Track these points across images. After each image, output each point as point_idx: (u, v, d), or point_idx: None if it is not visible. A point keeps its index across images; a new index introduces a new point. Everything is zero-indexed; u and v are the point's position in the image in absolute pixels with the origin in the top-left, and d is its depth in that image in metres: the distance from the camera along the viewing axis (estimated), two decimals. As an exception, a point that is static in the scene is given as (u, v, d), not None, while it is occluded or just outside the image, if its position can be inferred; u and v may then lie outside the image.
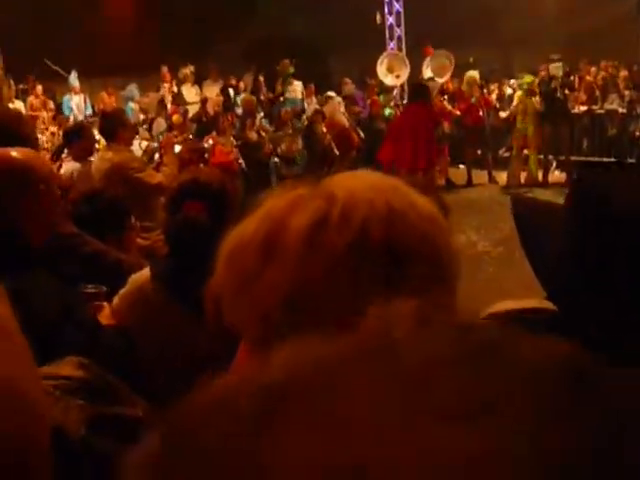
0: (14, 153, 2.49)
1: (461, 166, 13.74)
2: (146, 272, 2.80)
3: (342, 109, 13.97)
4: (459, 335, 0.41)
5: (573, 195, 1.40)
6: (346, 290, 0.85)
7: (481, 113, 13.30)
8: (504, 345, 0.41)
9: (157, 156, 9.34)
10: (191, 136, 11.47)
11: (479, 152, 13.55)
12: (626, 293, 1.27)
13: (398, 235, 0.88)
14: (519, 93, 13.39)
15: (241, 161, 10.72)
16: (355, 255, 0.86)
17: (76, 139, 6.12)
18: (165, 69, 15.10)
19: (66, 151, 6.69)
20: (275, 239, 0.89)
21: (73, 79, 14.13)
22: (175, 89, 15.16)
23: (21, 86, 14.13)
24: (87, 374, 1.86)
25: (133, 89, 14.99)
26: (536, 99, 13.05)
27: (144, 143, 10.80)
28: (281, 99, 14.83)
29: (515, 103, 13.36)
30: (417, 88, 11.43)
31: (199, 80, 15.85)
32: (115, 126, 5.65)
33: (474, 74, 13.36)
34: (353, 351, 0.40)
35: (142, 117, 13.84)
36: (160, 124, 13.18)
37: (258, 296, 0.88)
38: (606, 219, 1.31)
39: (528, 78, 13.28)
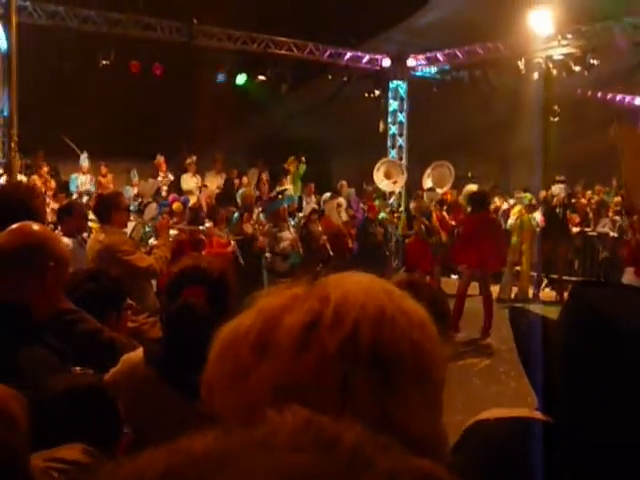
0: (35, 227, 2.58)
1: (453, 276, 13.84)
2: (139, 353, 2.81)
3: (342, 210, 14.09)
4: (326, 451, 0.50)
5: (569, 310, 1.45)
6: (333, 388, 0.88)
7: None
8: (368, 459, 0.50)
9: (152, 240, 9.44)
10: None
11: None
12: (625, 412, 1.30)
13: (387, 339, 0.91)
14: (517, 208, 13.63)
15: (238, 254, 10.80)
16: (344, 355, 0.88)
17: (67, 216, 6.25)
18: (162, 158, 15.38)
19: (59, 228, 6.81)
20: (269, 336, 0.92)
21: (83, 159, 14.50)
22: (171, 177, 15.41)
23: (27, 161, 14.38)
24: (92, 461, 1.88)
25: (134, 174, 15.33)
26: (535, 215, 13.30)
27: (131, 224, 10.82)
28: (280, 197, 15.11)
29: (514, 219, 13.59)
30: (480, 197, 11.52)
31: (201, 171, 16.16)
32: (109, 208, 5.78)
33: (473, 188, 13.65)
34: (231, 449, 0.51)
35: (137, 202, 14.01)
36: (152, 209, 13.36)
37: (249, 389, 0.91)
38: (606, 334, 1.34)
39: (529, 195, 13.56)
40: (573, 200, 15.57)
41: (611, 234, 14.54)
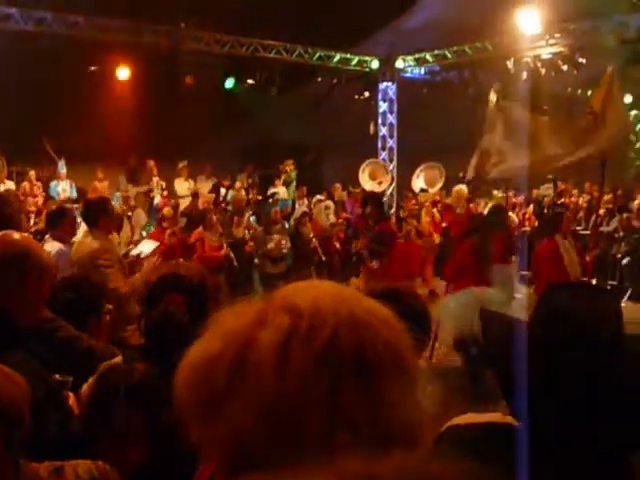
0: (16, 236, 2.57)
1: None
2: (117, 361, 2.79)
3: (331, 214, 14.05)
4: None
5: (537, 313, 1.44)
6: (321, 397, 0.86)
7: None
8: None
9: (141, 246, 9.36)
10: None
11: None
12: (586, 409, 1.29)
13: (364, 341, 0.90)
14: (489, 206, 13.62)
15: (232, 256, 10.80)
16: (326, 364, 0.87)
17: (57, 222, 6.17)
18: (152, 163, 15.31)
19: (49, 233, 6.75)
20: (246, 356, 0.88)
21: (61, 166, 14.43)
22: (163, 183, 15.34)
23: (17, 169, 14.36)
24: (91, 477, 1.92)
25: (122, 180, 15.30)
26: (510, 214, 13.30)
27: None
28: (270, 201, 15.12)
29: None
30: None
31: (193, 175, 16.15)
32: (97, 213, 5.73)
33: (462, 188, 13.63)
34: None
35: (123, 207, 13.95)
36: (140, 215, 13.32)
37: (232, 416, 0.87)
38: (572, 338, 1.34)
39: (498, 195, 13.34)
40: (563, 199, 15.58)
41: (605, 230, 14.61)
